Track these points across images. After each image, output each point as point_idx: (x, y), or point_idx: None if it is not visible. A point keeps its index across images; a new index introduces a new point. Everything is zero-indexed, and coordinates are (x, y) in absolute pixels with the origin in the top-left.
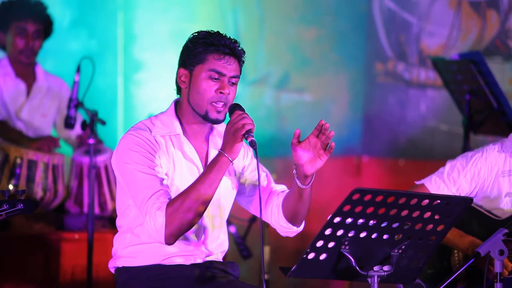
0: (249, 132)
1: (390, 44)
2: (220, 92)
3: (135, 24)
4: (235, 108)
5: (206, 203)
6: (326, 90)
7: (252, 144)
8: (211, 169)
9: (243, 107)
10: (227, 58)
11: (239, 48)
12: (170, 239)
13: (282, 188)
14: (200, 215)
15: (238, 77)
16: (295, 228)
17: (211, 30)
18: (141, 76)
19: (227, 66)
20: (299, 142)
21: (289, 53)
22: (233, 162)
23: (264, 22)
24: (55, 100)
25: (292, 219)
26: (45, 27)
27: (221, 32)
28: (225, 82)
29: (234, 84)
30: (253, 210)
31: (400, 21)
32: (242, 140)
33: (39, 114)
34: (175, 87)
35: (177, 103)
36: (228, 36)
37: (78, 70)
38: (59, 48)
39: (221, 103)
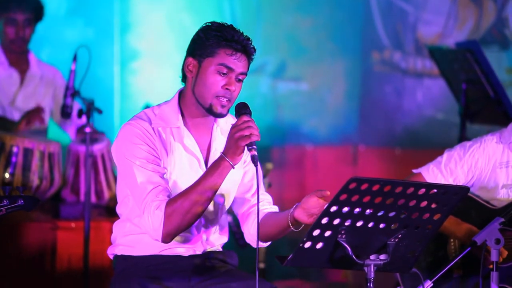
0: (252, 144)
1: (387, 33)
2: (226, 88)
3: (131, 13)
4: (242, 110)
5: (205, 205)
6: (322, 79)
7: (253, 160)
8: (212, 172)
9: (250, 109)
10: (238, 54)
11: (251, 46)
12: (167, 238)
13: (266, 199)
14: (199, 216)
15: (245, 74)
16: (261, 243)
17: (224, 23)
18: (138, 64)
19: (237, 62)
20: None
21: (285, 42)
22: None
23: (260, 11)
24: (49, 88)
25: (265, 240)
26: (36, 13)
27: (216, 19)
28: (232, 78)
29: (240, 80)
30: (235, 209)
31: (397, 10)
32: (243, 151)
33: (33, 102)
34: (180, 74)
35: (181, 93)
36: (241, 32)
37: (74, 58)
38: (55, 37)
39: (226, 99)
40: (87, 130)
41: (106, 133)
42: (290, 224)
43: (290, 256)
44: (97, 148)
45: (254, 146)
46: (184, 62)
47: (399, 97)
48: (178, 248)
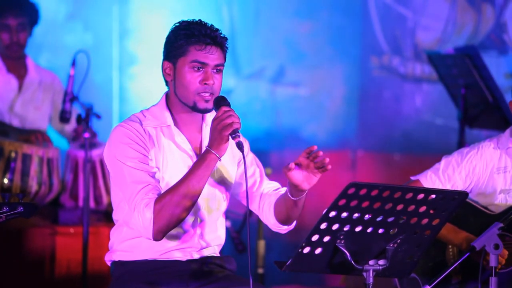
0: (235, 131)
1: (386, 38)
2: (205, 83)
3: (130, 18)
4: (220, 102)
5: (194, 200)
6: (321, 84)
7: (239, 146)
8: (199, 165)
9: (228, 100)
10: (208, 47)
11: (221, 36)
12: (158, 235)
13: (274, 186)
14: (188, 211)
15: (222, 65)
16: (285, 227)
17: (193, 19)
18: (136, 69)
19: (209, 55)
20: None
21: (284, 47)
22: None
23: (259, 16)
24: (48, 93)
25: (284, 222)
26: (30, 17)
27: (215, 25)
28: (208, 72)
29: (219, 71)
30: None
31: (395, 15)
32: (228, 140)
33: (32, 107)
34: (164, 80)
35: (167, 95)
36: (210, 25)
37: (73, 64)
38: (54, 42)
39: (207, 93)
40: (86, 135)
41: (104, 139)
42: (289, 194)
43: (289, 262)
44: (96, 153)
45: (238, 134)
46: (162, 66)
47: (398, 102)
48: (176, 253)
